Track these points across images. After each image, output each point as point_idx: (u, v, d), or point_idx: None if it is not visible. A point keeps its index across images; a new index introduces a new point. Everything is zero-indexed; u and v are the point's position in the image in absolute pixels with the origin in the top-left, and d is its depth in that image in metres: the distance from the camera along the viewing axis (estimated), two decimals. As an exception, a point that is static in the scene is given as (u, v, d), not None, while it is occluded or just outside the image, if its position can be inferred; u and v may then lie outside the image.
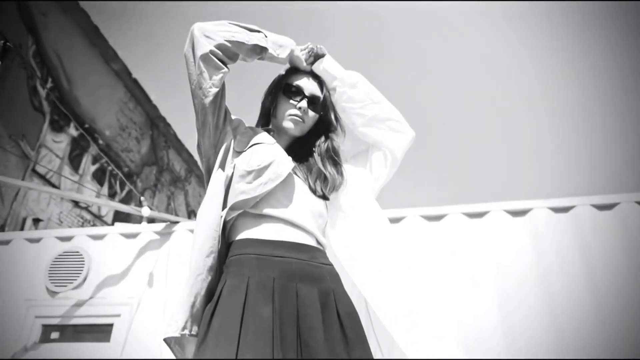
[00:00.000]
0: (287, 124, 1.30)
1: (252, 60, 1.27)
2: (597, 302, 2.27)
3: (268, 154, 1.20)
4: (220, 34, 1.18)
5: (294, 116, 1.29)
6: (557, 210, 2.53)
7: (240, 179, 1.18)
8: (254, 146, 1.24)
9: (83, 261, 2.80)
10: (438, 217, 2.61)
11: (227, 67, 1.21)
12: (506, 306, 2.36)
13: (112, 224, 7.48)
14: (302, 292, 1.06)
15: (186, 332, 1.06)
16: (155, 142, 8.44)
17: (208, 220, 1.15)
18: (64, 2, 6.30)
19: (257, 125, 1.39)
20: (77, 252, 2.83)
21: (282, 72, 1.37)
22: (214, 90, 1.18)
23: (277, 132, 1.33)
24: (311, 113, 1.31)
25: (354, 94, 1.33)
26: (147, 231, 2.79)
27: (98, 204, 2.88)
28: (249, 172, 1.17)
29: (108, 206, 2.84)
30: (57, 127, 6.34)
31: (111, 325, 2.61)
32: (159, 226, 2.82)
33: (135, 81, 7.67)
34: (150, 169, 8.20)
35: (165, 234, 2.79)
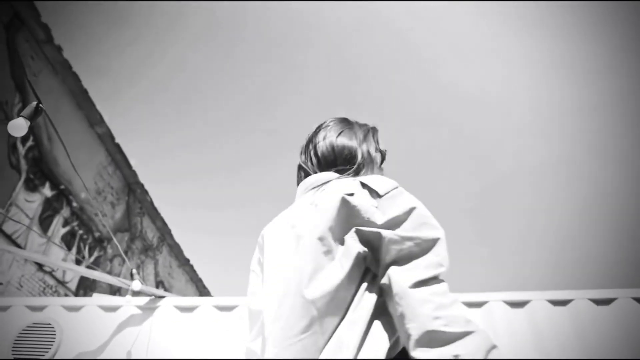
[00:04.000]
0: None
1: None
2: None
3: None
4: None
5: None
6: (555, 303, 2.51)
7: None
8: None
9: (54, 334, 2.57)
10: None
11: None
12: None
13: (77, 290, 7.04)
14: None
15: None
16: (131, 208, 8.22)
17: None
18: (57, 64, 6.35)
19: None
20: (49, 324, 2.61)
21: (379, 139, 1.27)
22: None
23: None
24: None
25: None
26: (129, 305, 2.61)
27: (83, 273, 2.69)
28: None
29: (92, 276, 2.66)
30: (32, 186, 6.13)
31: (78, 409, 2.36)
32: (142, 300, 2.64)
33: (117, 146, 7.61)
34: (122, 235, 7.92)
35: (148, 309, 2.61)
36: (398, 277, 0.89)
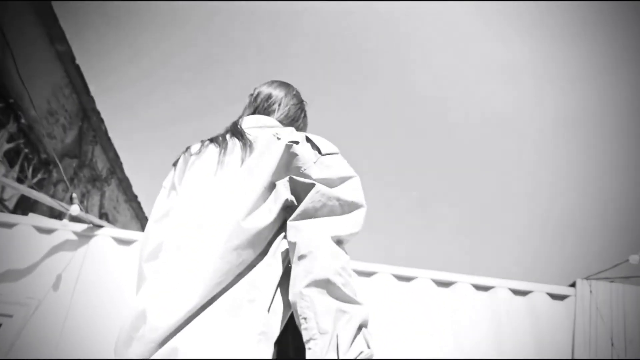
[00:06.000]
0: None
1: None
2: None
3: None
4: None
5: None
6: (478, 287, 2.67)
7: None
8: None
9: (-18, 248, 2.51)
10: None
11: None
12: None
13: (14, 210, 6.82)
14: None
15: None
16: (84, 135, 7.95)
17: None
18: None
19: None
20: (-22, 237, 2.54)
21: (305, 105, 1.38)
22: None
23: None
24: None
25: None
26: (66, 230, 2.57)
27: (21, 191, 2.61)
28: None
29: (31, 195, 2.60)
30: (-22, 95, 5.81)
31: (-1, 325, 2.34)
32: (80, 226, 2.61)
33: (77, 67, 7.27)
34: (71, 161, 7.68)
35: (84, 237, 2.59)
36: (316, 226, 0.96)
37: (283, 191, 1.03)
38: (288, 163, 1.06)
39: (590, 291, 2.63)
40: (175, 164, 1.24)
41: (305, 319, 0.86)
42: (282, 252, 1.01)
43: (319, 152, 1.08)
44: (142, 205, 10.41)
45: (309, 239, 0.93)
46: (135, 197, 10.09)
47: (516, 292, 2.67)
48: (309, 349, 0.84)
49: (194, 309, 0.89)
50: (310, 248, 0.92)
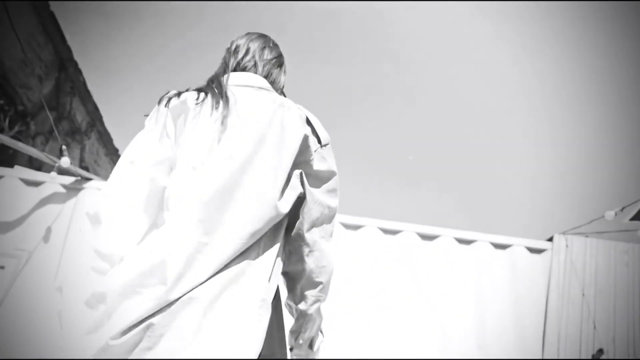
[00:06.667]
0: None
1: None
2: (480, 329, 2.53)
3: None
4: None
5: None
6: (460, 241, 2.77)
7: None
8: None
9: (-32, 200, 2.49)
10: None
11: None
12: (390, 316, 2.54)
13: (-8, 163, 6.68)
14: None
15: None
16: (61, 86, 7.72)
17: None
18: None
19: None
20: (-37, 188, 2.51)
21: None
22: None
23: None
24: None
25: None
26: (54, 182, 2.55)
27: (7, 142, 2.56)
28: None
29: (17, 147, 2.56)
30: (-51, 42, 5.56)
31: (-10, 276, 2.35)
32: (68, 179, 2.59)
33: (52, 15, 6.97)
34: (49, 113, 7.49)
35: (72, 189, 2.58)
36: (325, 252, 1.18)
37: (297, 184, 1.13)
38: (300, 151, 1.14)
39: (567, 245, 2.76)
40: (167, 105, 1.16)
41: (305, 330, 1.22)
42: (282, 231, 1.13)
43: (318, 140, 1.17)
44: (123, 159, 10.25)
45: (322, 269, 1.17)
46: (116, 150, 9.95)
47: (497, 246, 2.78)
48: (300, 342, 1.23)
49: (211, 274, 1.00)
50: (322, 278, 1.18)
